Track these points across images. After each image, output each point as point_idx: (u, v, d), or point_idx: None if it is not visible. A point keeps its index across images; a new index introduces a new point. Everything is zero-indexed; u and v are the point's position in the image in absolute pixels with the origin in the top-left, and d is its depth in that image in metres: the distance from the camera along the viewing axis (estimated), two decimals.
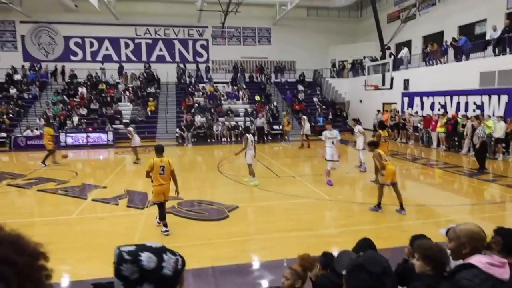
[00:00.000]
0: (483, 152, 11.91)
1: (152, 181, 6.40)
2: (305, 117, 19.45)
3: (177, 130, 20.91)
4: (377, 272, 1.49)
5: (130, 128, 14.68)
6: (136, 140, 13.93)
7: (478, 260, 1.99)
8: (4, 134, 19.25)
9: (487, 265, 1.95)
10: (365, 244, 3.03)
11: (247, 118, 22.85)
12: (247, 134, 10.01)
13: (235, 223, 6.96)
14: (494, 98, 15.18)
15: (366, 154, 11.48)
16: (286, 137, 20.53)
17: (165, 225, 6.31)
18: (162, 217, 6.38)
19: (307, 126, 18.43)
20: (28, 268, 0.89)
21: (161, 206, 6.34)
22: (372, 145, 7.90)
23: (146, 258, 1.10)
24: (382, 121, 15.09)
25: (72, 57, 27.24)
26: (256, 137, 20.26)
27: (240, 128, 20.88)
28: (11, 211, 8.02)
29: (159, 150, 6.41)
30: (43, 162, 13.12)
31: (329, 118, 23.52)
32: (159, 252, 1.14)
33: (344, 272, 1.57)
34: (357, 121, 13.01)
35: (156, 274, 1.10)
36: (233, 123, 22.06)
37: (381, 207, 7.34)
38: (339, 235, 6.43)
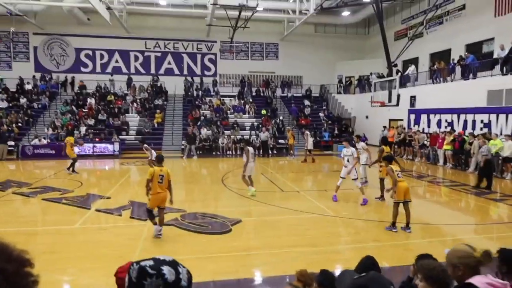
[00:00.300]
0: (487, 171, 11.75)
1: (148, 190, 6.67)
2: (307, 132, 19.46)
3: (183, 142, 21.03)
4: None
5: (146, 145, 14.88)
6: (154, 155, 14.17)
7: (479, 280, 1.97)
8: (12, 143, 19.44)
9: (486, 285, 1.92)
10: (368, 262, 2.98)
11: (253, 132, 22.92)
12: (248, 147, 10.23)
13: (238, 237, 6.91)
14: (502, 116, 15.08)
15: (367, 169, 11.45)
16: (291, 151, 20.51)
17: (155, 224, 6.67)
18: (150, 219, 6.74)
19: (310, 141, 18.44)
20: (15, 275, 0.91)
21: (150, 211, 6.75)
22: (386, 160, 7.87)
23: (168, 271, 1.12)
24: (385, 136, 15.00)
25: (82, 69, 27.71)
26: (261, 150, 20.40)
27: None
28: (15, 219, 8.04)
29: (160, 160, 6.95)
30: (69, 169, 13.73)
31: (334, 133, 23.56)
32: (174, 264, 1.16)
33: None
34: (360, 138, 12.94)
35: (176, 286, 1.12)
36: (238, 137, 22.13)
37: (396, 227, 7.16)
38: (343, 252, 6.35)
